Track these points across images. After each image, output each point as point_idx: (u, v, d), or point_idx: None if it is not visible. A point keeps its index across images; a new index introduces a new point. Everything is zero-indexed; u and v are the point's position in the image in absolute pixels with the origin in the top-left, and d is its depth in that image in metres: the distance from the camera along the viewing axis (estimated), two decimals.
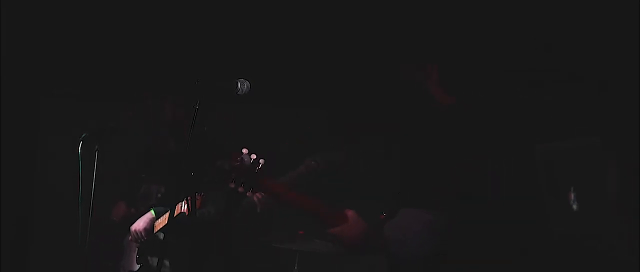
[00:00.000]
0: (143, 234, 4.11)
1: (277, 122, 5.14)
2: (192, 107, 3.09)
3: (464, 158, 2.64)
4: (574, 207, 3.23)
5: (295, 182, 3.28)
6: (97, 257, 4.27)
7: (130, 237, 4.19)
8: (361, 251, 2.81)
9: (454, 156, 2.66)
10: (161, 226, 4.10)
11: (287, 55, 5.06)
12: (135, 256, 4.24)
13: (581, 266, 3.25)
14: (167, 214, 4.06)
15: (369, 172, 4.48)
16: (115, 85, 5.15)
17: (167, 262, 4.17)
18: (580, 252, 3.25)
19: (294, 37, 4.98)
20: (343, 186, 3.54)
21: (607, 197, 3.11)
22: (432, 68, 2.87)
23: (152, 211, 4.17)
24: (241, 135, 2.95)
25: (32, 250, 5.12)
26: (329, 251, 4.33)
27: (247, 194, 2.76)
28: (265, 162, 2.72)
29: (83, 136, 3.91)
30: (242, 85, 3.12)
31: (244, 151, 2.71)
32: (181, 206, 3.84)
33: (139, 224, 4.12)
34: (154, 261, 4.20)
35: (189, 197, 3.31)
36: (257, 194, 4.16)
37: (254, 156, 2.71)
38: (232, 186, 2.75)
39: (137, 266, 4.22)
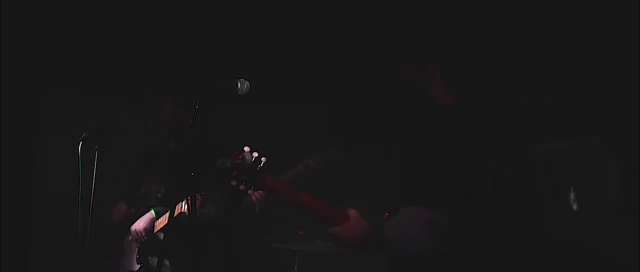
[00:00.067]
0: (143, 234, 4.11)
1: (277, 122, 5.14)
2: (192, 107, 3.09)
3: (464, 158, 2.64)
4: (574, 207, 3.23)
5: (294, 182, 3.28)
6: (97, 257, 4.26)
7: (130, 237, 4.19)
8: (362, 251, 2.81)
9: (454, 155, 2.66)
10: (161, 226, 4.10)
11: (287, 55, 5.05)
12: (135, 256, 4.24)
13: (581, 266, 3.25)
14: (167, 214, 4.06)
15: (368, 172, 4.48)
16: (115, 85, 5.15)
17: (167, 262, 4.17)
18: (580, 252, 3.25)
19: (294, 37, 4.98)
20: (343, 186, 3.54)
21: (608, 197, 3.11)
22: (433, 68, 2.87)
23: (152, 211, 4.17)
24: (241, 135, 2.94)
25: (32, 250, 5.12)
26: (329, 251, 4.33)
27: (248, 192, 2.76)
28: (266, 161, 2.72)
29: (83, 135, 3.91)
30: (242, 85, 3.12)
31: (246, 148, 2.70)
32: (181, 206, 3.84)
33: (139, 224, 4.12)
34: (154, 261, 4.20)
35: (189, 197, 3.31)
36: (256, 194, 4.17)
37: (255, 154, 2.70)
38: (234, 183, 2.74)
39: (137, 266, 4.22)
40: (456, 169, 2.64)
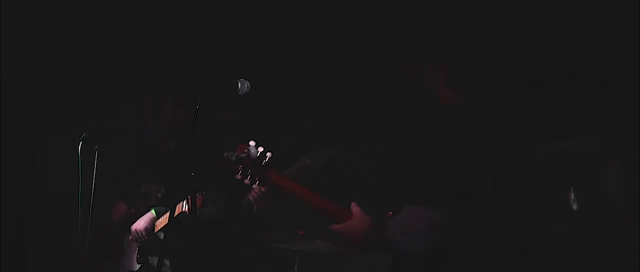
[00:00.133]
0: (144, 233, 4.11)
1: (277, 122, 5.14)
2: (192, 107, 3.09)
3: (465, 157, 2.64)
4: (574, 207, 3.23)
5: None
6: (97, 257, 4.26)
7: (130, 236, 4.19)
8: (363, 249, 2.80)
9: (455, 155, 2.66)
10: (162, 226, 4.10)
11: (288, 55, 5.05)
12: (135, 255, 4.24)
13: (581, 266, 3.25)
14: (167, 214, 4.06)
15: (369, 172, 4.48)
16: (115, 85, 5.15)
17: (167, 262, 4.17)
18: (580, 252, 3.25)
19: (295, 37, 4.98)
20: (343, 184, 3.54)
21: (608, 197, 3.11)
22: (434, 67, 2.86)
23: (152, 211, 4.17)
24: (241, 134, 2.94)
25: (32, 250, 5.12)
26: (329, 251, 4.33)
27: (253, 186, 2.75)
28: (271, 156, 2.72)
29: (83, 135, 3.91)
30: (242, 85, 3.11)
31: (251, 143, 2.70)
32: (182, 206, 3.84)
33: (140, 224, 4.12)
34: (154, 260, 4.20)
35: (189, 197, 3.31)
36: (253, 193, 4.18)
37: (260, 149, 2.70)
38: (239, 177, 2.74)
39: (138, 266, 4.22)
40: (457, 168, 2.64)
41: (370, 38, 4.73)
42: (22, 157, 5.01)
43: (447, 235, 2.60)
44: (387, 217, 2.76)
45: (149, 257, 4.21)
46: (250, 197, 4.23)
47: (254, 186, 2.78)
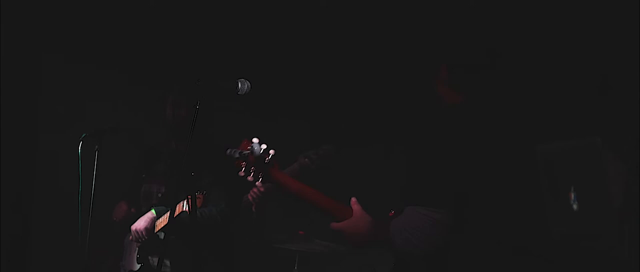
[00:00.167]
0: (144, 233, 4.11)
1: (277, 122, 5.14)
2: (192, 107, 3.09)
3: (467, 157, 2.63)
4: (574, 207, 3.23)
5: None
6: (97, 257, 4.27)
7: (131, 236, 4.19)
8: (363, 248, 2.80)
9: (458, 154, 2.66)
10: (162, 226, 4.10)
11: (288, 55, 5.06)
12: (135, 255, 4.24)
13: (581, 266, 3.25)
14: (168, 214, 4.06)
15: (370, 171, 4.49)
16: (115, 85, 5.15)
17: (167, 262, 4.18)
18: (580, 252, 3.25)
19: (296, 37, 4.98)
20: (341, 182, 3.54)
21: (608, 197, 3.11)
22: (438, 67, 2.86)
23: (153, 211, 4.17)
24: (240, 134, 2.95)
25: (32, 250, 5.12)
26: (329, 251, 4.34)
27: (257, 183, 2.75)
28: (275, 153, 2.71)
29: (83, 135, 3.91)
30: (243, 86, 3.12)
31: (255, 140, 2.70)
32: (182, 205, 3.85)
33: (140, 224, 4.12)
34: (154, 260, 4.20)
35: (189, 197, 3.31)
36: (252, 193, 4.18)
37: (264, 146, 2.70)
38: (242, 174, 2.74)
39: (138, 266, 4.22)
40: (459, 168, 2.64)
41: (372, 38, 4.74)
42: (22, 157, 5.02)
43: (449, 235, 2.60)
44: (389, 217, 2.75)
45: (149, 257, 4.21)
46: (249, 197, 4.24)
47: (256, 183, 2.77)
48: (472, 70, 2.82)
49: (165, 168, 4.36)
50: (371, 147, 4.73)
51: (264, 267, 4.77)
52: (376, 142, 4.73)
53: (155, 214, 4.15)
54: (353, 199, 2.80)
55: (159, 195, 4.32)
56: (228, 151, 2.75)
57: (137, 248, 4.24)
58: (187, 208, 3.76)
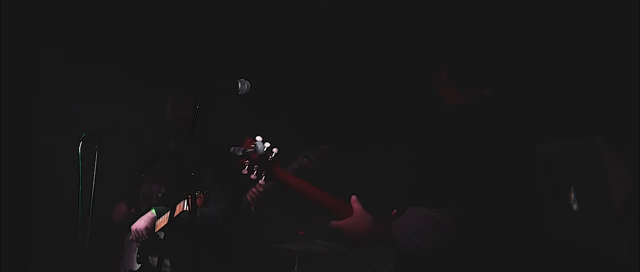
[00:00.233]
0: (144, 233, 4.11)
1: (277, 122, 5.14)
2: (192, 107, 3.09)
3: (467, 157, 2.63)
4: (574, 207, 3.23)
5: None
6: (97, 257, 4.27)
7: (131, 236, 4.19)
8: (363, 247, 2.80)
9: (459, 154, 2.66)
10: (162, 225, 4.10)
11: (289, 55, 5.06)
12: (135, 255, 4.24)
13: (581, 266, 3.25)
14: (168, 213, 4.06)
15: (369, 169, 4.49)
16: (115, 85, 5.15)
17: (167, 262, 4.18)
18: (580, 252, 3.25)
19: (296, 37, 4.98)
20: (341, 181, 3.53)
21: (608, 197, 3.11)
22: (440, 68, 2.86)
23: (153, 210, 4.17)
24: (240, 134, 2.95)
25: (32, 250, 5.12)
26: (329, 251, 4.33)
27: (260, 181, 2.75)
28: (278, 151, 2.72)
29: (83, 135, 3.91)
30: (243, 86, 3.12)
31: (258, 138, 2.70)
32: (183, 205, 3.85)
33: (140, 223, 4.12)
34: (154, 260, 4.20)
35: (189, 196, 3.31)
36: (250, 193, 4.18)
37: (267, 144, 2.70)
38: (245, 172, 2.74)
39: (138, 266, 4.22)
40: (460, 168, 2.63)
41: (372, 38, 4.74)
42: (22, 157, 5.01)
43: (451, 235, 2.60)
44: (390, 216, 2.75)
45: (149, 257, 4.21)
46: (248, 197, 4.24)
47: (260, 182, 2.77)
48: (473, 70, 2.82)
49: (165, 168, 4.36)
50: (372, 147, 4.73)
51: (264, 267, 4.77)
52: (376, 142, 4.73)
53: (155, 214, 4.15)
54: (353, 198, 2.80)
55: (159, 195, 4.32)
56: (231, 149, 2.75)
57: (137, 248, 4.24)
58: (187, 208, 3.75)
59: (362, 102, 4.89)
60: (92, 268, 3.92)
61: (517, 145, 2.72)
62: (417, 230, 2.61)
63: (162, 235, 4.16)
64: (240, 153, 2.72)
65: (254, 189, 4.18)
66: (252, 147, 2.69)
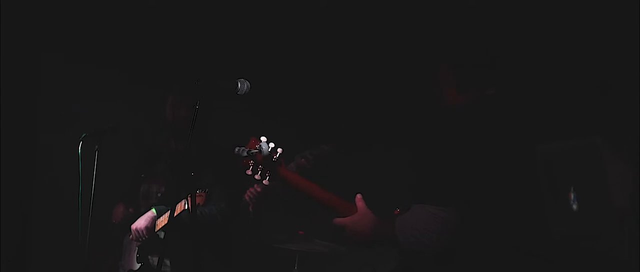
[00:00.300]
0: (144, 232, 4.11)
1: (276, 122, 5.14)
2: (192, 107, 3.09)
3: (472, 157, 2.63)
4: (574, 207, 3.23)
5: None
6: (97, 257, 4.26)
7: (131, 235, 4.19)
8: (364, 245, 2.80)
9: (461, 154, 2.66)
10: (162, 225, 4.10)
11: (289, 55, 5.06)
12: (135, 254, 4.24)
13: (581, 266, 3.25)
14: (168, 213, 4.06)
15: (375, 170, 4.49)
16: (115, 85, 5.15)
17: (167, 261, 4.17)
18: (580, 252, 3.25)
19: (296, 37, 4.98)
20: (342, 180, 3.53)
21: (608, 197, 3.11)
22: (443, 68, 2.87)
23: (153, 210, 4.17)
24: (240, 134, 2.95)
25: (32, 250, 5.12)
26: (329, 251, 4.33)
27: (264, 182, 2.76)
28: (282, 152, 2.72)
29: (83, 135, 3.91)
30: (242, 85, 3.12)
31: (263, 138, 2.70)
32: (183, 204, 3.85)
33: (141, 223, 4.12)
34: (154, 259, 4.20)
35: (190, 195, 3.31)
36: (249, 194, 4.18)
37: (272, 144, 2.70)
38: (249, 173, 2.75)
39: (138, 265, 4.22)
40: (462, 168, 2.64)
41: (372, 38, 4.74)
42: (22, 157, 5.01)
43: (456, 233, 2.60)
44: (393, 215, 2.75)
45: (149, 257, 4.21)
46: (246, 197, 4.24)
47: (263, 182, 2.78)
48: (473, 70, 2.82)
49: (165, 168, 4.36)
50: (373, 146, 4.73)
51: (264, 267, 4.77)
52: (377, 142, 4.73)
53: (155, 213, 4.15)
54: (358, 196, 2.81)
55: (159, 195, 4.32)
56: (236, 149, 2.75)
57: (137, 247, 4.23)
58: (189, 206, 3.75)
59: (362, 102, 4.88)
60: (92, 268, 3.92)
61: (518, 145, 2.71)
62: (424, 228, 2.62)
63: (162, 234, 4.16)
64: (245, 154, 2.73)
65: (252, 189, 4.18)
66: (257, 148, 2.70)
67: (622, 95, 3.52)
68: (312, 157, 4.13)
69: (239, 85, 3.11)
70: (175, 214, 3.89)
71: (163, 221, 4.10)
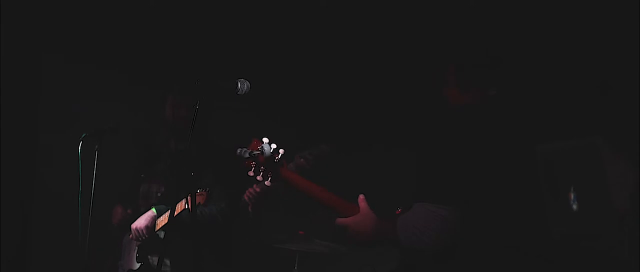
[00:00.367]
0: (144, 232, 4.10)
1: (276, 122, 5.14)
2: (192, 107, 3.09)
3: (474, 157, 2.64)
4: (574, 207, 3.23)
5: None
6: (97, 257, 4.26)
7: (131, 235, 4.19)
8: (366, 245, 2.80)
9: (463, 153, 2.66)
10: (162, 224, 4.10)
11: (289, 55, 5.05)
12: (135, 254, 4.24)
13: (581, 266, 3.25)
14: (168, 212, 4.06)
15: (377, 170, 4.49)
16: (115, 85, 5.15)
17: (167, 261, 4.17)
18: (580, 252, 3.25)
19: (297, 37, 4.98)
20: (342, 180, 3.53)
21: (608, 197, 3.11)
22: (443, 69, 2.87)
23: (153, 209, 4.17)
24: (240, 134, 2.95)
25: (32, 250, 5.12)
26: (329, 251, 4.33)
27: (266, 183, 2.76)
28: (284, 152, 2.72)
29: (83, 135, 3.91)
30: (242, 85, 3.12)
31: (265, 139, 2.71)
32: (184, 203, 3.85)
33: (141, 222, 4.12)
34: (154, 259, 4.20)
35: (190, 194, 3.31)
36: (248, 194, 4.18)
37: (274, 145, 2.71)
38: (251, 174, 2.75)
39: (138, 265, 4.22)
40: (464, 168, 2.64)
41: (374, 38, 4.74)
42: (22, 157, 5.01)
43: (457, 232, 2.60)
44: (395, 215, 2.76)
45: (149, 256, 4.21)
46: (245, 197, 4.24)
47: (265, 183, 2.78)
48: (474, 71, 2.82)
49: (165, 168, 4.36)
50: (374, 146, 4.73)
51: (264, 267, 4.77)
52: (377, 142, 4.73)
53: (155, 213, 4.15)
54: (361, 196, 2.81)
55: (158, 194, 4.32)
56: (238, 150, 2.76)
57: (137, 247, 4.23)
58: (189, 206, 3.75)
59: (364, 102, 4.88)
60: (92, 268, 3.92)
61: (518, 145, 2.72)
62: (425, 227, 2.62)
63: (162, 234, 4.16)
64: (247, 155, 2.73)
65: (251, 190, 4.18)
66: (259, 149, 2.70)
67: (622, 95, 3.52)
68: (312, 158, 4.13)
69: (239, 85, 3.11)
70: (175, 214, 3.89)
71: (163, 220, 4.10)
